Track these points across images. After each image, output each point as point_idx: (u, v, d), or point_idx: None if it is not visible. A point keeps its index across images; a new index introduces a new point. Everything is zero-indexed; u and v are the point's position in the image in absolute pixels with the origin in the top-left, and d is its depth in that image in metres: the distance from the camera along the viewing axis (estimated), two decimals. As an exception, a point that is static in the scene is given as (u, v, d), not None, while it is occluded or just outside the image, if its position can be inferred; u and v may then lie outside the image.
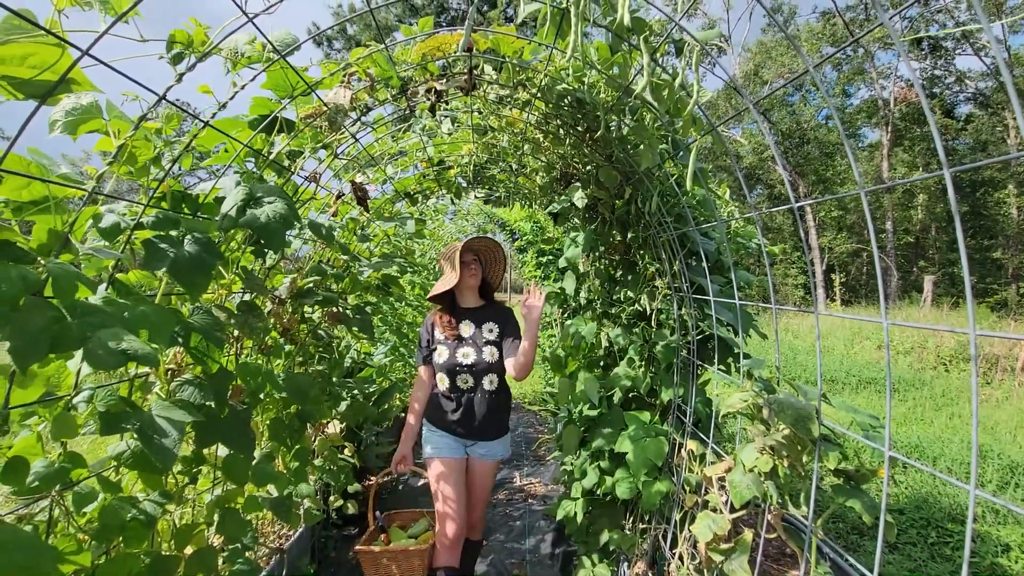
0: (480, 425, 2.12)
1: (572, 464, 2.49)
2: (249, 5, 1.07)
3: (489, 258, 2.29)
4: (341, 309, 2.08)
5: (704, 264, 1.77)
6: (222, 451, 1.48)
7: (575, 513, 2.20)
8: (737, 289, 1.63)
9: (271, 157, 1.33)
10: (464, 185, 2.93)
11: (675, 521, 1.83)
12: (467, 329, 2.15)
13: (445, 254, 2.18)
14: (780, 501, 1.19)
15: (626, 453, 1.87)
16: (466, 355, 2.09)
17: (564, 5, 1.15)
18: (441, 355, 2.11)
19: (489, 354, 2.10)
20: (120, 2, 0.80)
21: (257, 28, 0.99)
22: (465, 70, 1.53)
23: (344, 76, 1.36)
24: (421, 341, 2.21)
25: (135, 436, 1.05)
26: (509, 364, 2.07)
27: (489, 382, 2.12)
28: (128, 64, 0.92)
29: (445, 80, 1.50)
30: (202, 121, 1.09)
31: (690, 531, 1.51)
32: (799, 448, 1.15)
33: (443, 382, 2.12)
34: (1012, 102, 0.59)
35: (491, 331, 2.15)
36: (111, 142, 0.92)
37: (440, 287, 2.13)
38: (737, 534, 1.38)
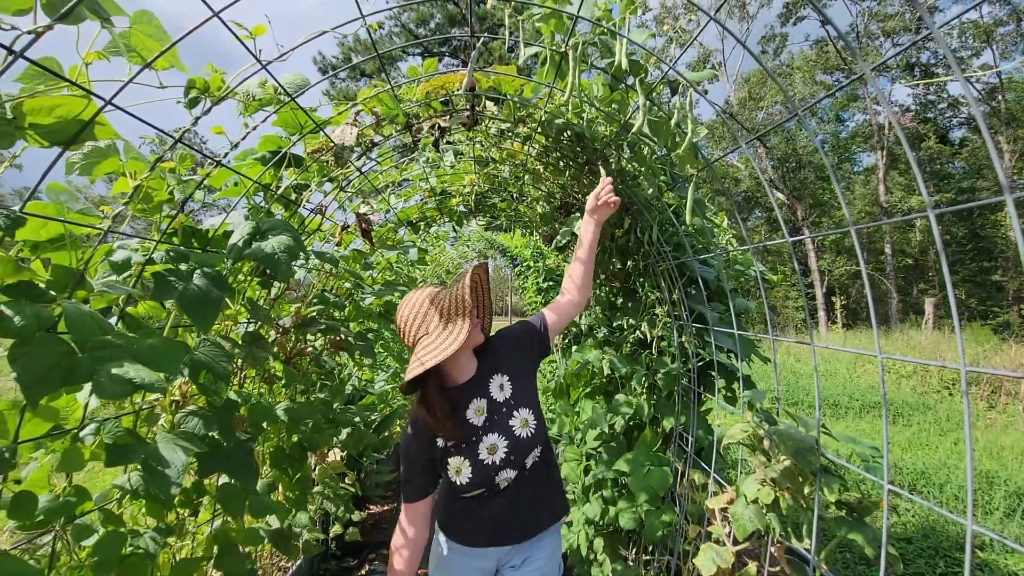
0: (524, 521, 1.42)
1: (573, 492, 2.47)
2: (259, 42, 1.12)
3: (482, 295, 1.51)
4: (344, 337, 2.10)
5: (703, 292, 1.79)
6: (221, 481, 1.48)
7: (578, 545, 2.18)
8: (736, 316, 1.65)
9: (279, 192, 1.37)
10: (466, 213, 2.98)
11: (679, 552, 1.82)
12: (478, 411, 1.37)
13: (417, 307, 1.30)
14: (783, 533, 1.18)
15: (629, 483, 1.87)
16: (493, 448, 1.34)
17: (563, 49, 1.20)
18: (460, 471, 1.33)
19: (521, 423, 1.37)
20: (144, 52, 0.84)
21: (270, 74, 1.04)
22: (468, 106, 1.58)
23: (351, 115, 1.41)
24: (412, 464, 1.35)
25: (139, 468, 1.06)
26: (574, 284, 1.54)
27: (532, 457, 1.41)
28: (145, 103, 0.97)
29: (448, 117, 1.55)
30: (215, 161, 1.13)
31: (694, 564, 1.50)
32: (800, 479, 1.16)
33: (474, 494, 1.38)
34: (987, 142, 0.62)
35: (503, 387, 1.40)
36: (128, 183, 0.95)
37: (427, 358, 1.22)
38: (741, 566, 1.36)
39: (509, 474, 1.37)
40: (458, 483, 1.33)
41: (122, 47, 0.89)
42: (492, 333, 1.54)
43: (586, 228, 1.51)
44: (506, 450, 1.34)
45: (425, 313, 1.27)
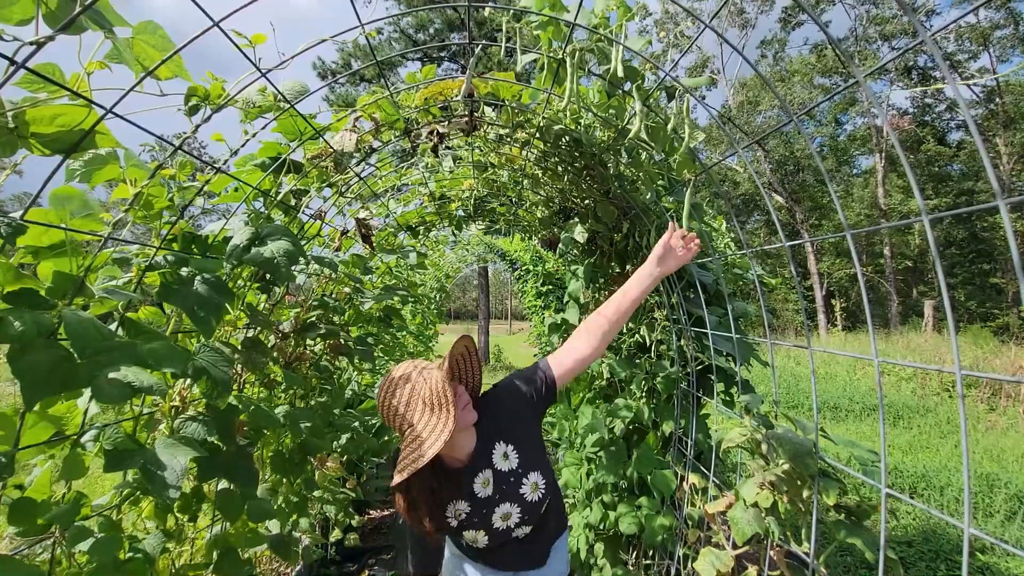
0: (539, 551, 1.42)
1: (574, 497, 2.47)
2: (259, 46, 1.13)
3: (469, 363, 1.38)
4: (343, 341, 2.10)
5: (701, 296, 1.80)
6: (221, 486, 1.48)
7: (577, 549, 2.17)
8: (734, 320, 1.65)
9: (279, 197, 1.37)
10: (465, 217, 2.99)
11: (679, 556, 1.81)
12: (485, 483, 1.30)
13: (395, 396, 1.18)
14: (782, 537, 1.18)
15: (629, 487, 1.87)
16: (507, 516, 1.30)
17: (560, 56, 1.21)
18: (477, 540, 1.30)
19: (531, 488, 1.32)
20: (147, 61, 0.85)
21: (270, 82, 1.05)
22: (466, 112, 1.59)
23: (351, 121, 1.42)
24: (412, 550, 1.29)
25: (138, 472, 1.06)
26: (596, 331, 1.38)
27: (545, 510, 1.38)
28: (146, 110, 0.97)
29: (447, 123, 1.56)
30: (215, 168, 1.14)
31: (694, 568, 1.50)
32: (799, 483, 1.16)
33: (491, 549, 1.36)
34: (980, 150, 0.63)
35: (507, 456, 1.33)
36: (128, 190, 0.96)
37: (416, 457, 1.11)
38: (741, 570, 1.36)
39: (525, 530, 1.34)
40: (474, 546, 1.32)
41: (128, 59, 0.90)
42: (489, 386, 1.44)
43: (640, 276, 1.35)
44: (519, 515, 1.31)
45: (407, 401, 1.16)
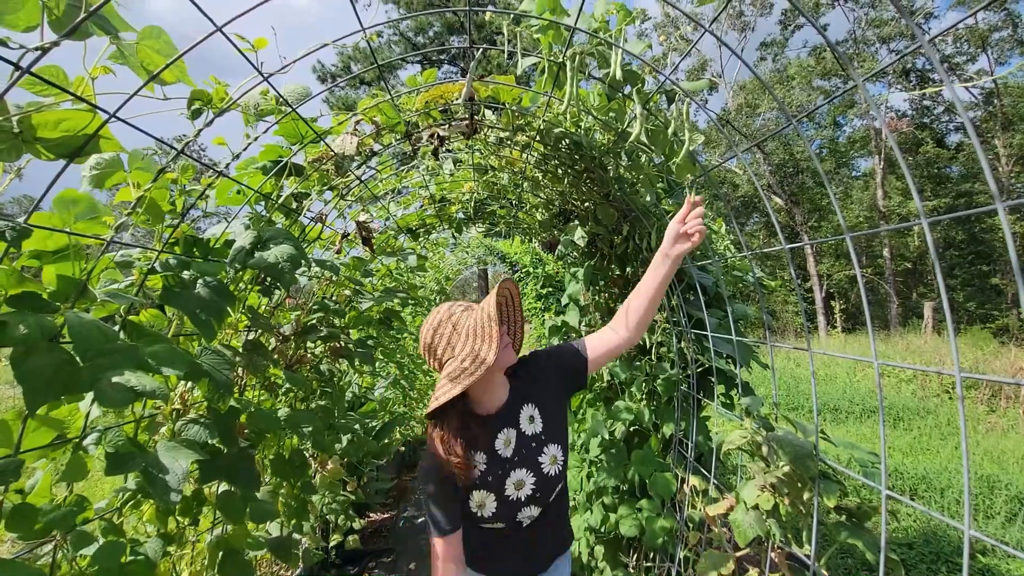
0: (545, 551, 1.39)
1: (575, 499, 2.47)
2: (260, 54, 1.13)
3: (511, 311, 1.36)
4: (344, 344, 2.10)
5: (701, 299, 1.80)
6: (222, 489, 1.49)
7: (578, 552, 2.17)
8: (734, 322, 1.65)
9: (280, 200, 1.38)
10: (465, 220, 3.00)
11: (680, 559, 1.81)
12: (507, 442, 1.28)
13: (440, 325, 1.18)
14: (783, 539, 1.19)
15: (630, 489, 1.87)
16: (520, 484, 1.27)
17: (560, 59, 1.22)
18: (484, 505, 1.25)
19: (550, 460, 1.31)
20: (151, 66, 0.86)
21: (271, 86, 1.05)
22: (467, 115, 1.59)
23: (351, 124, 1.42)
24: (438, 496, 1.21)
25: (139, 475, 1.07)
26: (629, 320, 1.33)
27: (556, 494, 1.36)
28: (150, 113, 0.98)
29: (448, 126, 1.57)
30: (217, 171, 1.15)
31: (695, 570, 1.50)
32: (799, 485, 1.16)
33: (496, 526, 1.29)
34: (979, 157, 0.64)
35: (532, 419, 1.32)
36: (131, 193, 0.97)
37: (456, 382, 1.12)
38: (742, 573, 1.37)
39: (532, 512, 1.29)
40: (479, 515, 1.25)
41: (133, 64, 0.90)
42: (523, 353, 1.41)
43: (658, 265, 1.27)
44: (533, 487, 1.27)
45: (450, 334, 1.16)
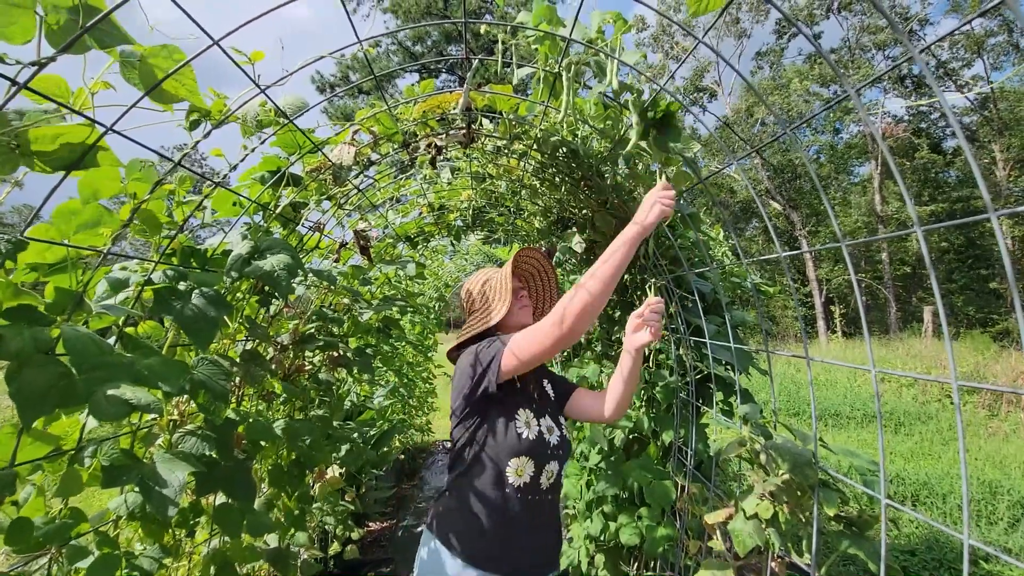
0: (553, 546, 1.33)
1: (574, 508, 2.46)
2: (258, 65, 1.14)
3: (541, 285, 1.59)
4: (342, 352, 2.10)
5: (699, 305, 1.80)
6: (219, 501, 1.48)
7: (578, 560, 2.16)
8: (733, 329, 1.65)
9: (278, 211, 1.38)
10: (463, 227, 3.00)
11: (680, 568, 1.80)
12: (543, 391, 1.45)
13: (478, 287, 1.47)
14: (783, 548, 1.18)
15: (646, 494, 1.86)
16: (551, 429, 1.34)
17: (556, 70, 1.23)
18: (530, 425, 1.28)
19: (566, 427, 1.44)
20: (147, 78, 0.86)
21: (269, 98, 1.06)
22: (464, 125, 1.60)
23: (349, 134, 1.43)
24: (487, 363, 1.24)
25: (136, 488, 1.06)
26: (607, 402, 1.42)
27: (561, 469, 1.38)
28: (147, 125, 0.98)
29: (445, 135, 1.57)
30: (214, 182, 1.15)
31: (695, 580, 1.49)
32: (799, 493, 1.16)
33: (521, 474, 1.24)
34: (972, 165, 0.64)
35: (550, 390, 1.49)
36: (127, 207, 0.97)
37: (483, 322, 1.39)
38: (743, 582, 1.36)
39: (553, 468, 1.31)
40: (523, 436, 1.24)
41: (138, 83, 0.91)
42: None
43: (623, 361, 1.34)
44: (558, 439, 1.34)
45: (482, 291, 1.46)
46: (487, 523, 1.21)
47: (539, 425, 1.30)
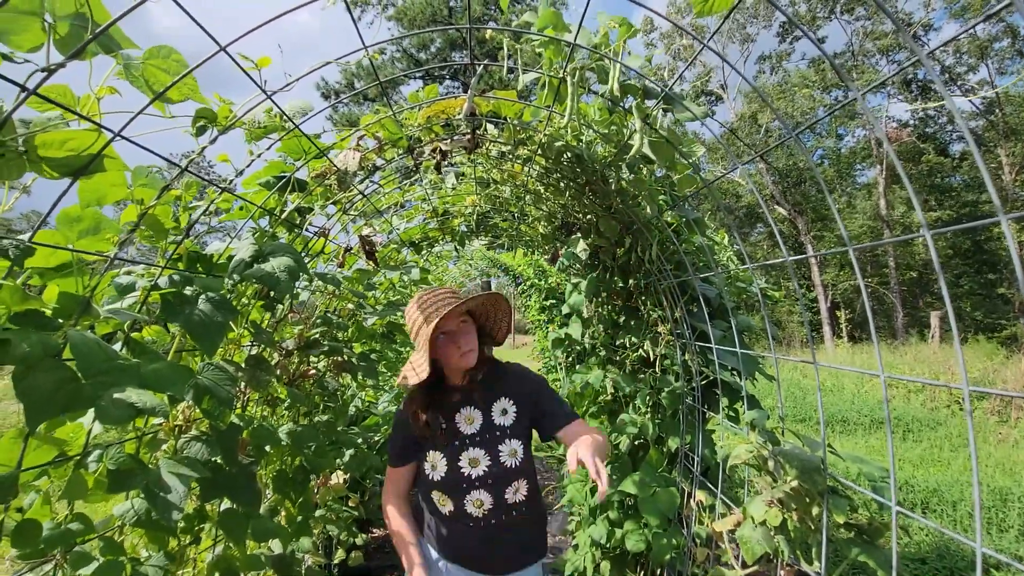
0: (504, 556, 1.40)
1: (579, 513, 2.44)
2: (264, 71, 1.15)
3: (486, 311, 1.48)
4: (347, 358, 2.10)
5: (704, 310, 1.79)
6: (223, 507, 1.47)
7: (584, 568, 2.14)
8: (738, 334, 1.64)
9: (283, 215, 1.39)
10: (468, 233, 3.01)
11: (687, 576, 1.78)
12: (470, 421, 1.41)
13: (412, 316, 1.39)
14: (792, 556, 1.16)
15: (639, 504, 1.84)
16: (475, 462, 1.36)
17: (561, 75, 1.23)
18: (436, 467, 1.38)
19: (509, 453, 1.38)
20: (157, 85, 0.87)
21: (275, 104, 1.07)
22: (468, 130, 1.61)
23: (354, 140, 1.43)
24: (396, 432, 1.46)
25: (141, 494, 1.06)
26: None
27: (513, 492, 1.38)
28: (155, 131, 0.99)
29: (450, 140, 1.58)
30: (220, 187, 1.15)
31: (702, 588, 1.47)
32: (807, 500, 1.14)
33: (444, 504, 1.38)
34: (981, 170, 0.63)
35: (505, 412, 1.43)
36: (135, 211, 0.97)
37: (409, 374, 1.33)
38: (751, 591, 1.34)
39: (482, 497, 1.35)
40: (430, 477, 1.38)
41: (140, 85, 0.91)
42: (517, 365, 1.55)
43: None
44: (487, 468, 1.36)
45: (416, 331, 1.36)
46: (437, 534, 1.43)
47: (457, 460, 1.36)
